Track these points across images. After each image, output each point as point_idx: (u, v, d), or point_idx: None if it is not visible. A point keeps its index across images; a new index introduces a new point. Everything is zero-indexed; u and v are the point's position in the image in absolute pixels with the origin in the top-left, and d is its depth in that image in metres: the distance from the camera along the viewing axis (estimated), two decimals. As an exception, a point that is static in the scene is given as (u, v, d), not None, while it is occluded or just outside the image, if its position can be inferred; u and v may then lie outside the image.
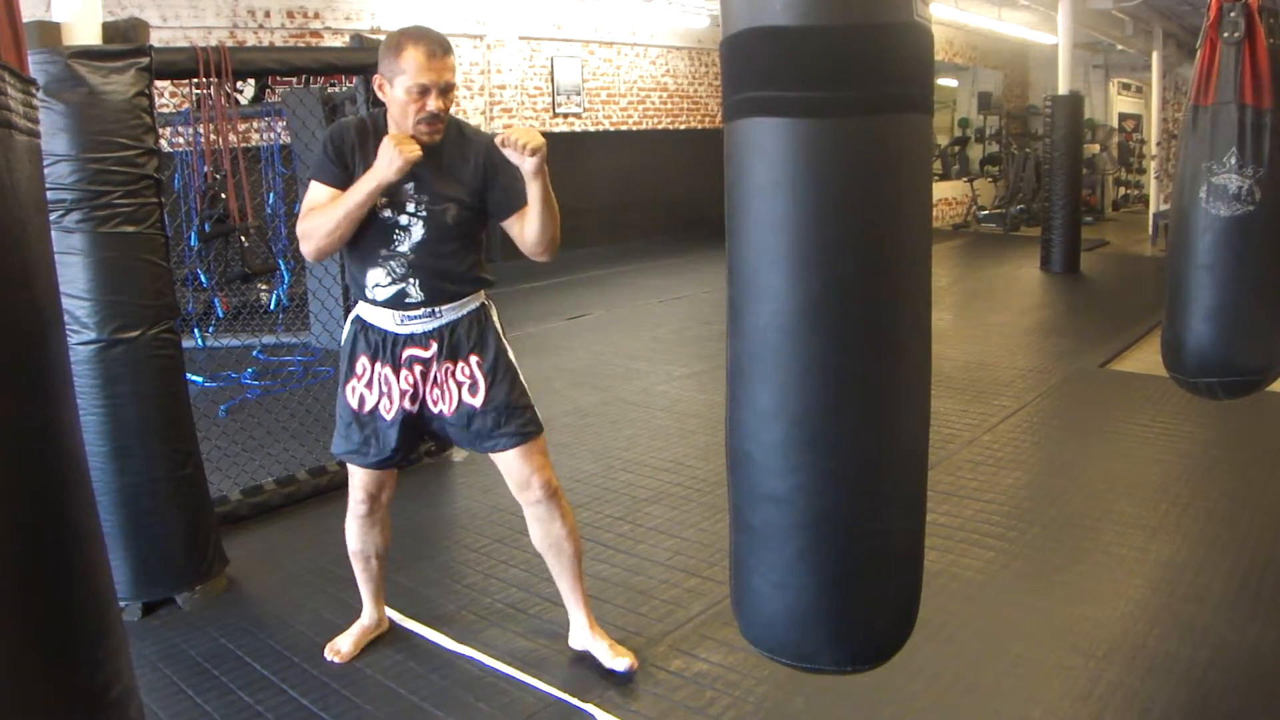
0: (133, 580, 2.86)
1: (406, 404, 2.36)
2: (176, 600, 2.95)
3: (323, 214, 2.23)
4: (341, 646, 2.65)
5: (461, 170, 2.30)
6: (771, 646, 1.33)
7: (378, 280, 2.31)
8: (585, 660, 2.58)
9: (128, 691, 0.93)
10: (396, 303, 2.31)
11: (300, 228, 2.27)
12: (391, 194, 2.25)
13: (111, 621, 0.92)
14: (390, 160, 2.16)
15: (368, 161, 2.24)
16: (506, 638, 2.73)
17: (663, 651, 2.64)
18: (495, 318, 2.43)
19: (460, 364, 2.35)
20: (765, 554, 1.29)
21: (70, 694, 0.85)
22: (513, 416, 2.37)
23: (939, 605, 2.63)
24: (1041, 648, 2.61)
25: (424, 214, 2.27)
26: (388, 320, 2.34)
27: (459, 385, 2.35)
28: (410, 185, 2.27)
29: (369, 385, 2.38)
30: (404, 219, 2.27)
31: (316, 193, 2.28)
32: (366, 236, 2.28)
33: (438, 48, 2.20)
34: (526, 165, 2.17)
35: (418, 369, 2.35)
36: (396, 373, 2.35)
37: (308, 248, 2.27)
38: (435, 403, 2.37)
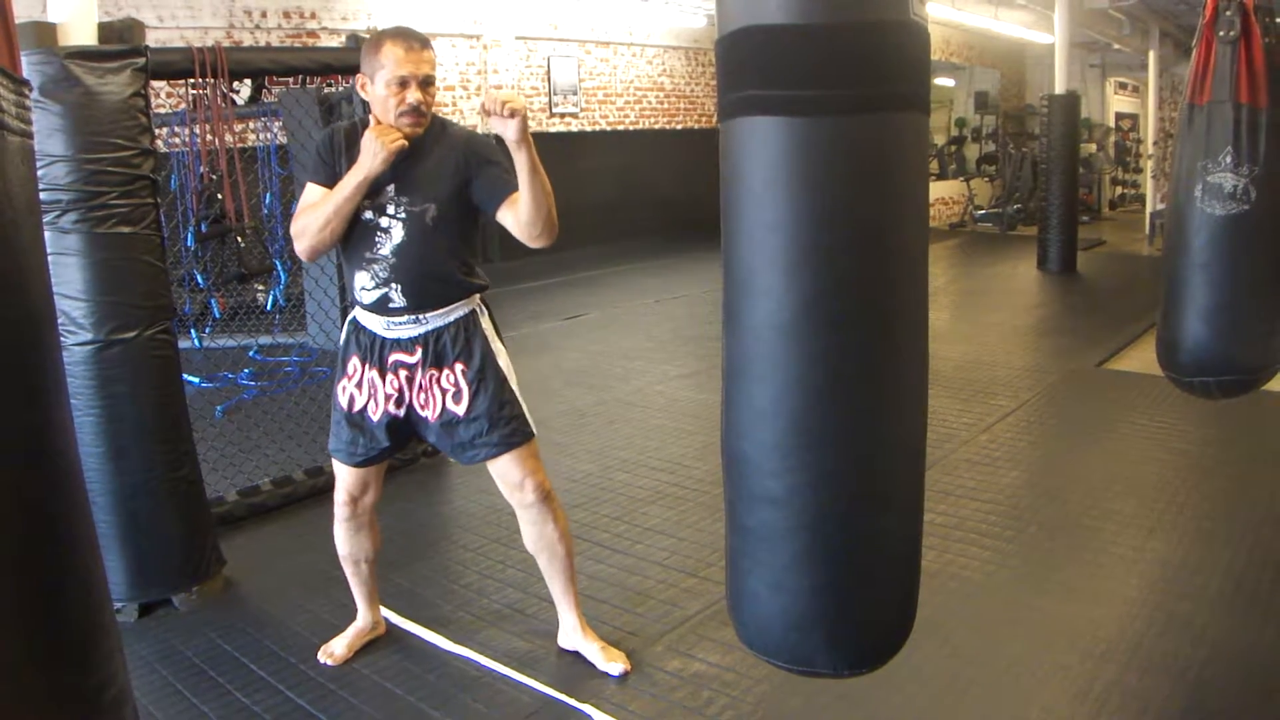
0: (129, 581, 2.86)
1: (391, 408, 2.36)
2: (173, 601, 2.94)
3: (313, 212, 2.26)
4: (335, 649, 2.65)
5: (443, 168, 2.29)
6: (768, 649, 1.32)
7: (363, 284, 2.31)
8: (582, 660, 2.57)
9: (122, 694, 0.93)
10: (380, 308, 2.31)
11: (294, 227, 2.29)
12: (373, 196, 2.25)
13: (106, 624, 0.92)
14: (374, 152, 2.17)
15: (354, 163, 2.24)
16: (504, 638, 2.73)
17: (660, 651, 2.64)
18: (486, 324, 2.39)
19: (445, 371, 2.33)
20: (762, 555, 1.29)
21: (64, 696, 0.85)
22: (496, 426, 2.35)
23: (936, 605, 2.63)
24: (1039, 647, 2.61)
25: (403, 215, 2.26)
26: (376, 324, 2.34)
27: (443, 392, 2.34)
28: (391, 187, 2.27)
29: (359, 386, 2.38)
30: (384, 221, 2.27)
31: (309, 194, 2.30)
32: (352, 239, 2.29)
33: (415, 41, 2.23)
34: (509, 132, 2.09)
35: (403, 374, 2.35)
36: (382, 376, 2.35)
37: (301, 246, 2.28)
38: (422, 407, 2.36)
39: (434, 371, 2.34)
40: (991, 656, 2.58)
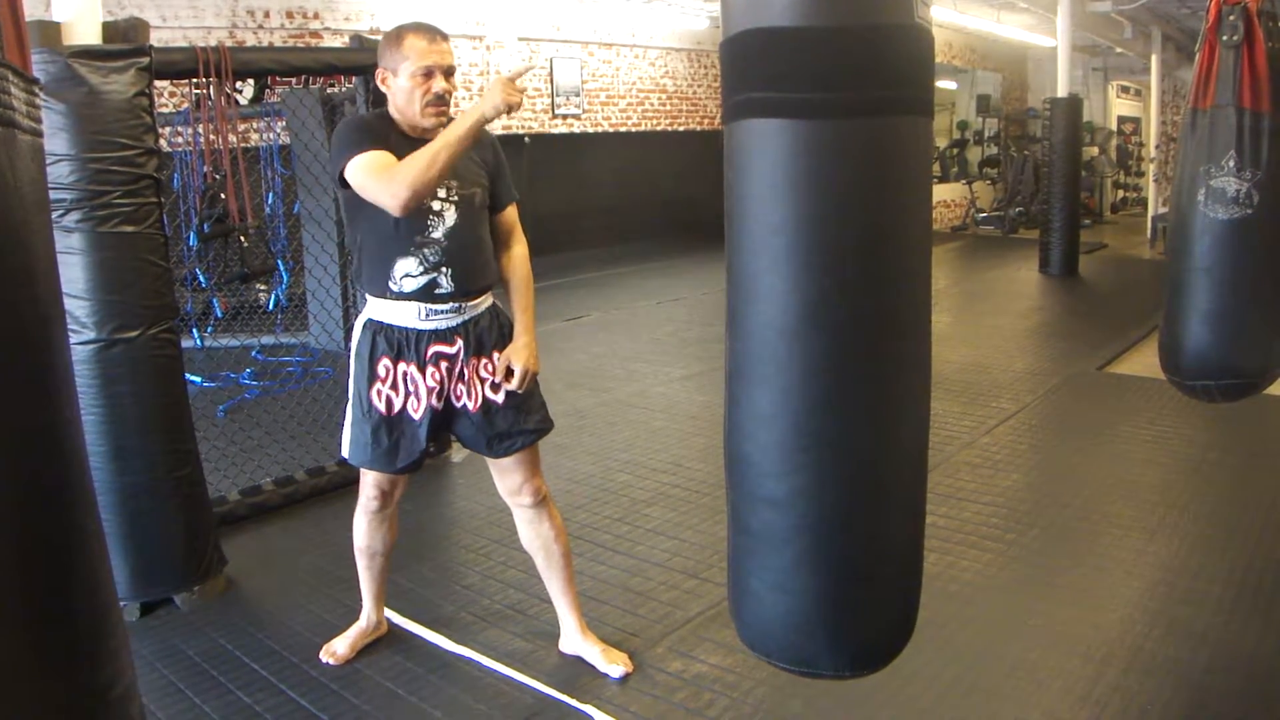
0: (131, 580, 2.86)
1: (434, 401, 2.35)
2: (175, 600, 2.94)
3: (417, 157, 2.09)
4: (337, 649, 2.65)
5: (480, 157, 2.36)
6: (769, 650, 1.32)
7: (408, 270, 2.28)
8: (583, 661, 2.58)
9: (129, 691, 0.93)
10: (425, 294, 2.29)
11: (385, 179, 2.11)
12: None
13: (113, 621, 0.92)
14: (496, 97, 2.07)
15: (389, 146, 2.19)
16: (505, 639, 2.73)
17: (661, 653, 2.64)
18: (505, 314, 2.47)
19: (485, 360, 2.38)
20: (763, 557, 1.29)
21: (72, 693, 0.85)
22: (531, 411, 2.43)
23: (937, 608, 2.63)
24: (1040, 650, 2.61)
25: (455, 198, 2.30)
26: (410, 316, 2.31)
27: (483, 382, 2.38)
28: None
29: (394, 387, 2.34)
30: (437, 204, 2.28)
31: (373, 158, 2.15)
32: (398, 225, 2.24)
33: (437, 33, 2.28)
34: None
35: (444, 365, 2.34)
36: (422, 370, 2.33)
37: (401, 191, 2.07)
38: (459, 398, 2.37)
39: (475, 360, 2.37)
40: (992, 659, 2.59)
